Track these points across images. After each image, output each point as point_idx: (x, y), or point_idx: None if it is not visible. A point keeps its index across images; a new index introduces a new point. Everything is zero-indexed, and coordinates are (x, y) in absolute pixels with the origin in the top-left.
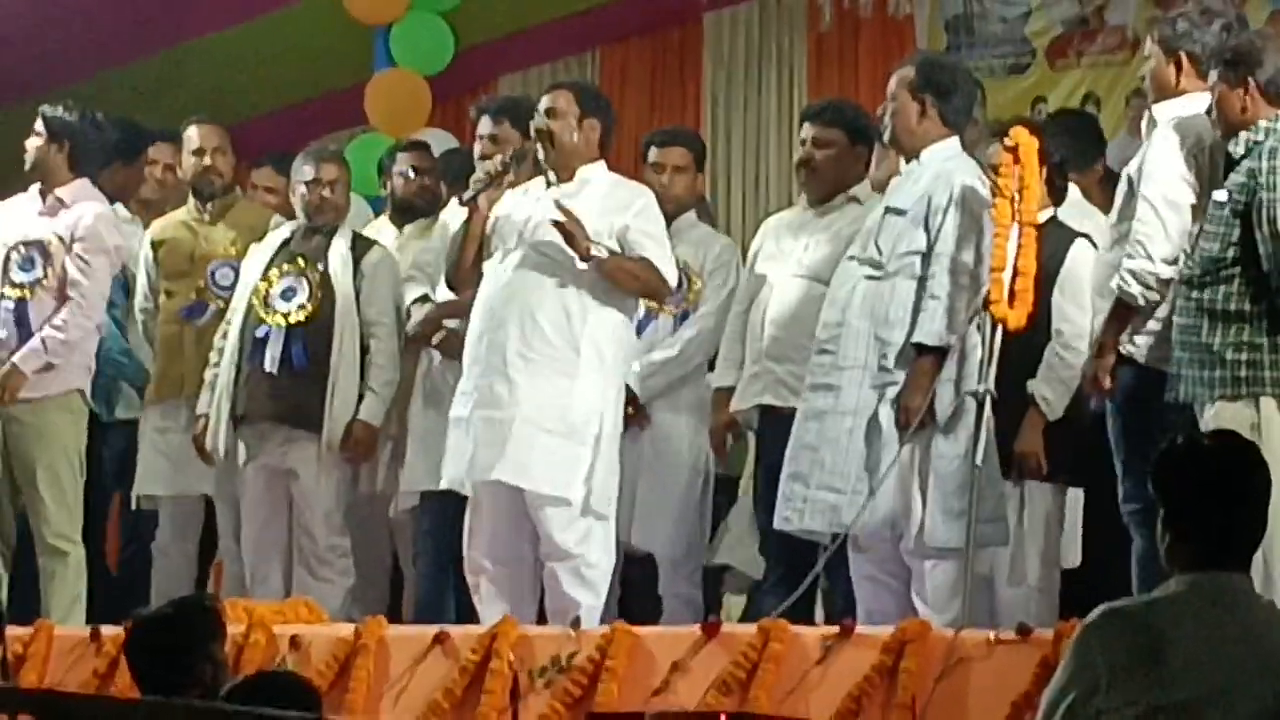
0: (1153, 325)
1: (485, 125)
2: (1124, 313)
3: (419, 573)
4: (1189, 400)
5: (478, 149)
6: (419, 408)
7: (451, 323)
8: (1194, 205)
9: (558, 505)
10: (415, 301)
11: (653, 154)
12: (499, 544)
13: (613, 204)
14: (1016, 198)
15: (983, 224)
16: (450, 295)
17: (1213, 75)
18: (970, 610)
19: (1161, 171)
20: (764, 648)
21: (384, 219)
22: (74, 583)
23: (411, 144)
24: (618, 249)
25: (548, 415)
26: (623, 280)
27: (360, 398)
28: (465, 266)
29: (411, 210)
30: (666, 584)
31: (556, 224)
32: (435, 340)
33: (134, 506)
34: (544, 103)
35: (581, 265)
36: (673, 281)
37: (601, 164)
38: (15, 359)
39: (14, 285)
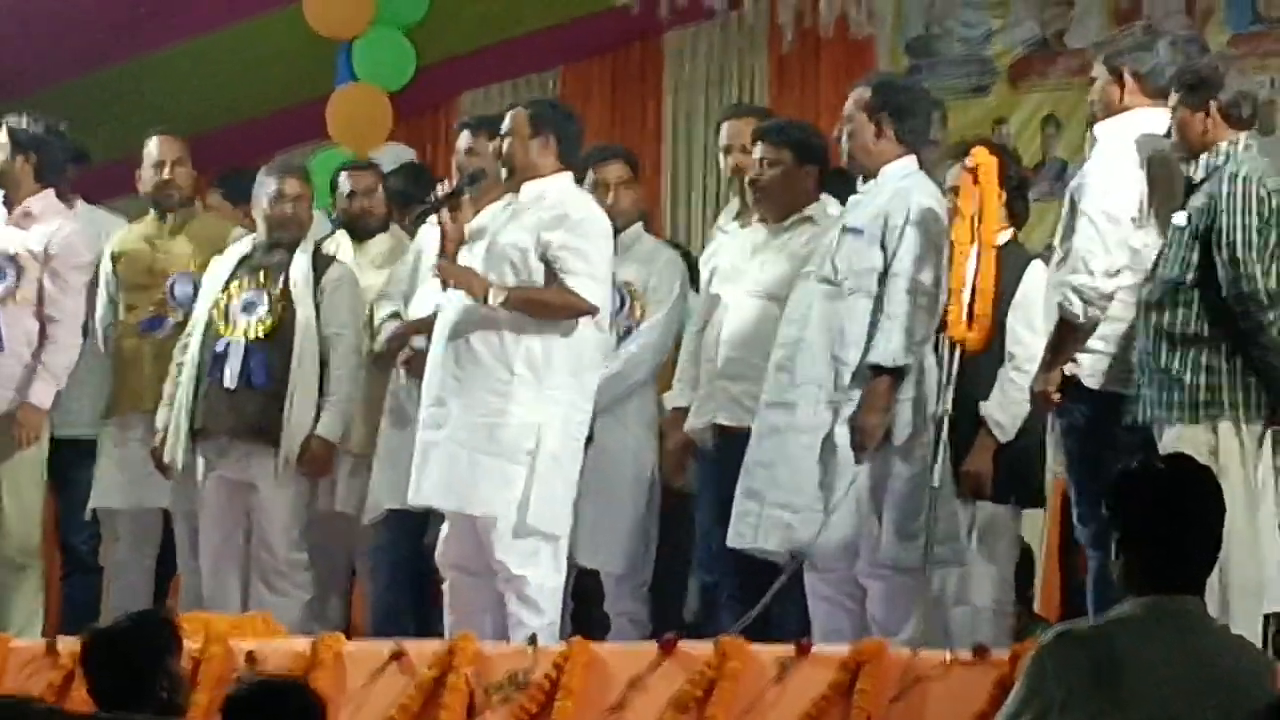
0: (1106, 348)
1: (464, 140)
2: (1068, 329)
3: (375, 588)
4: (1148, 423)
5: (455, 162)
6: (385, 425)
7: (419, 341)
8: (1135, 219)
9: (494, 525)
10: (386, 318)
11: (590, 175)
12: (462, 553)
13: (546, 219)
14: (976, 218)
15: (940, 244)
16: (421, 313)
17: (1174, 98)
18: (926, 630)
19: (1099, 185)
20: (721, 666)
21: (343, 235)
22: (33, 597)
23: (354, 165)
24: (537, 265)
25: (478, 436)
26: (535, 311)
27: (319, 413)
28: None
29: (356, 230)
30: (612, 600)
31: (446, 282)
32: (401, 359)
33: (82, 519)
34: (502, 125)
35: (494, 304)
36: (595, 300)
37: (561, 176)
38: (30, 397)
39: None
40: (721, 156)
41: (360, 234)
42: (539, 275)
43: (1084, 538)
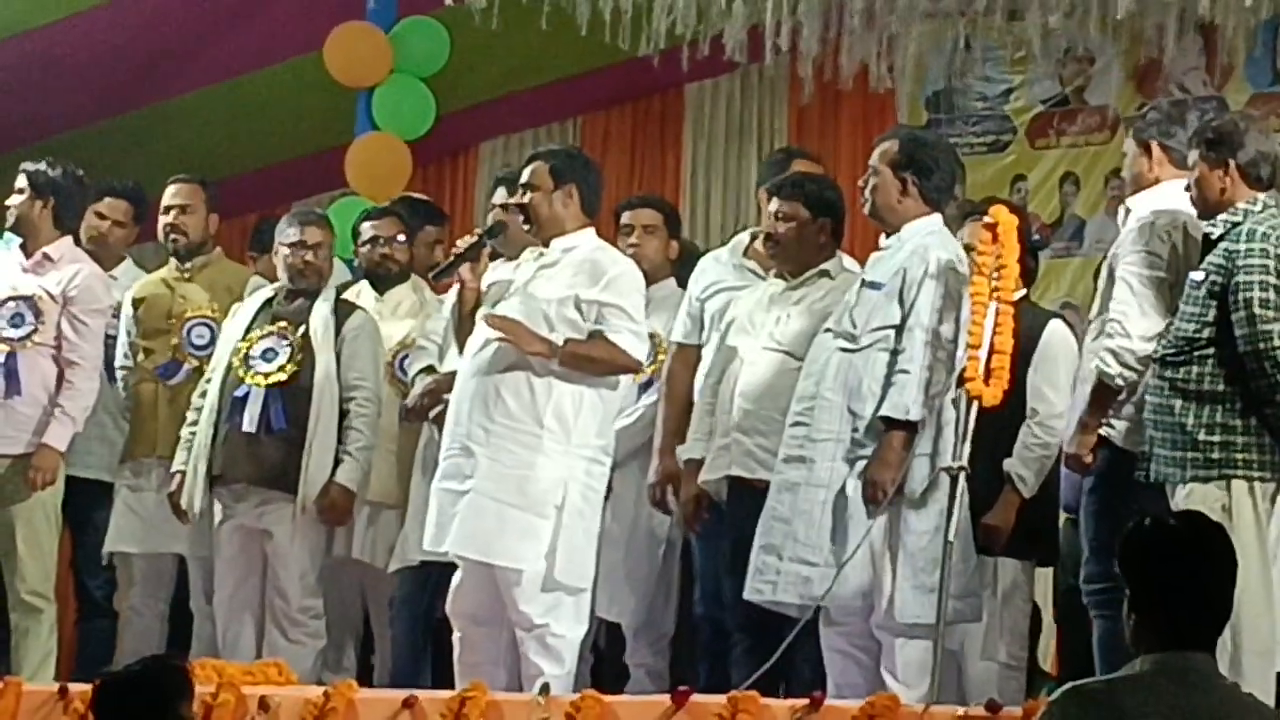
0: (1129, 410)
1: (500, 195)
2: (1105, 393)
3: (394, 639)
4: (1160, 480)
5: (491, 217)
6: (417, 479)
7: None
8: (1172, 286)
9: (519, 578)
10: (420, 372)
11: (624, 217)
12: (476, 603)
13: (583, 276)
14: (994, 275)
15: (959, 299)
16: (455, 368)
17: (1193, 155)
18: (941, 686)
19: (1137, 252)
20: (733, 719)
21: (365, 283)
22: (46, 640)
23: (378, 211)
24: (579, 320)
25: (506, 487)
26: (584, 367)
27: (337, 461)
28: (465, 341)
29: (377, 278)
30: (630, 653)
31: (500, 338)
32: (433, 414)
33: (98, 563)
34: (522, 177)
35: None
36: (640, 355)
37: (586, 231)
38: (47, 439)
39: (3, 340)
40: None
41: (381, 282)
42: (572, 330)
43: (1090, 598)
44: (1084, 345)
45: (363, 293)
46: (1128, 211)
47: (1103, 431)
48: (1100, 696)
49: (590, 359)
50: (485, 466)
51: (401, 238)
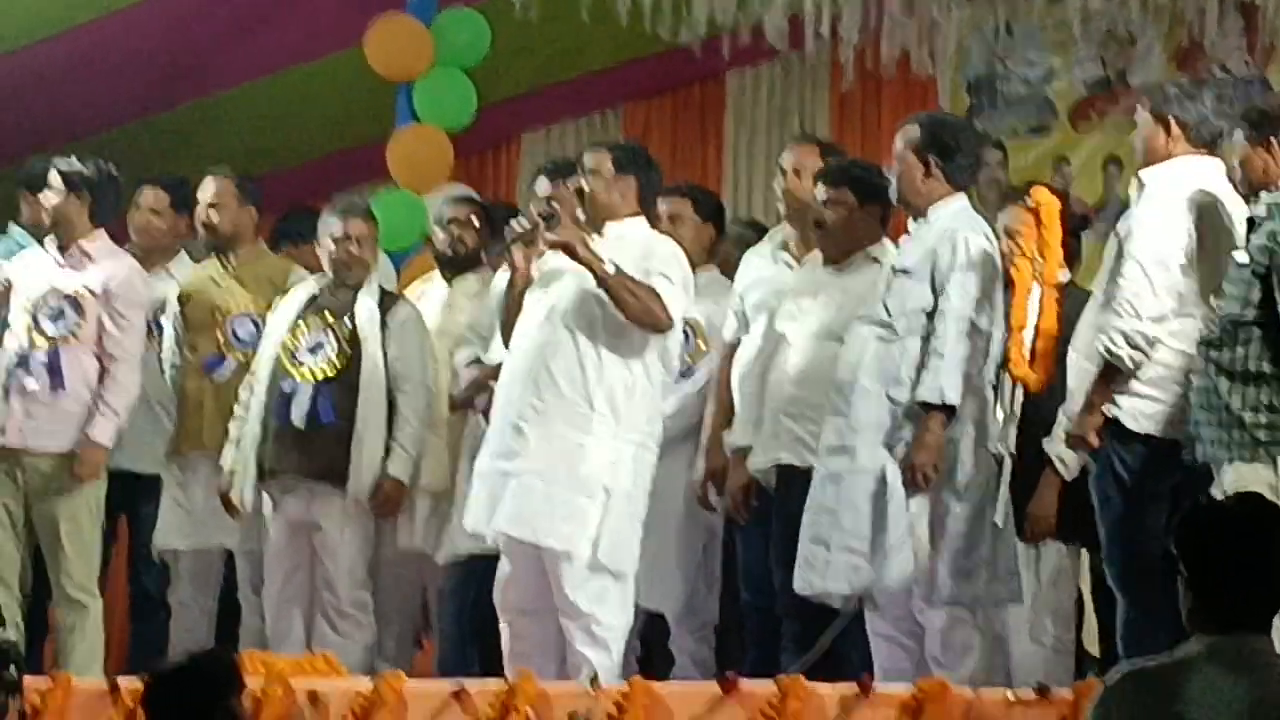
0: (1153, 392)
1: (543, 186)
2: (1113, 373)
3: (442, 630)
4: (1206, 461)
5: (535, 209)
6: (464, 471)
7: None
8: (1183, 265)
9: (566, 559)
10: (466, 364)
11: (658, 206)
12: (523, 594)
13: (636, 254)
14: (1038, 258)
15: (991, 282)
16: (500, 358)
17: (1238, 134)
18: (986, 668)
19: (1150, 230)
20: (782, 705)
21: (438, 273)
22: (93, 635)
23: (459, 197)
24: None
25: (556, 468)
26: (621, 296)
27: (387, 453)
28: (511, 326)
29: (447, 262)
30: (675, 640)
31: (558, 244)
32: (479, 405)
33: (152, 558)
34: (584, 163)
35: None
36: (674, 315)
37: (639, 220)
38: (91, 433)
39: (45, 337)
40: (779, 178)
41: (451, 267)
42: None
43: (1112, 580)
44: (1085, 319)
45: (435, 282)
46: (1141, 185)
47: (1111, 413)
48: (1158, 678)
49: (633, 293)
50: (535, 445)
51: (475, 222)
